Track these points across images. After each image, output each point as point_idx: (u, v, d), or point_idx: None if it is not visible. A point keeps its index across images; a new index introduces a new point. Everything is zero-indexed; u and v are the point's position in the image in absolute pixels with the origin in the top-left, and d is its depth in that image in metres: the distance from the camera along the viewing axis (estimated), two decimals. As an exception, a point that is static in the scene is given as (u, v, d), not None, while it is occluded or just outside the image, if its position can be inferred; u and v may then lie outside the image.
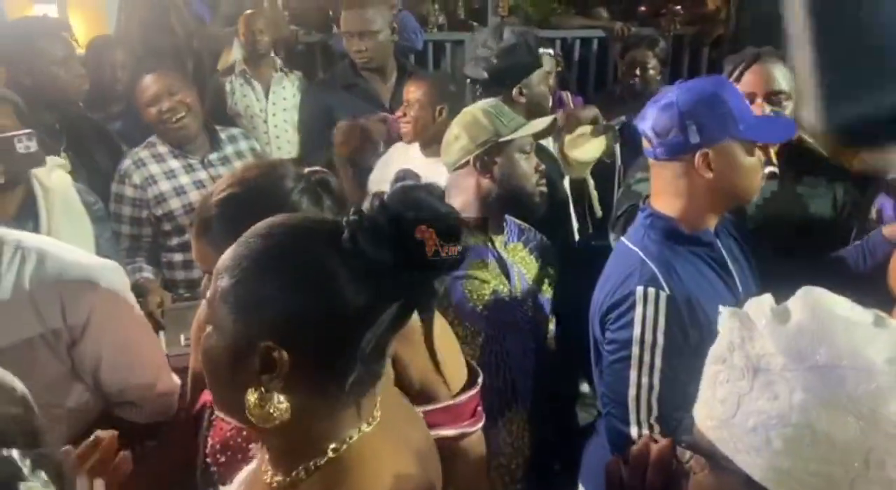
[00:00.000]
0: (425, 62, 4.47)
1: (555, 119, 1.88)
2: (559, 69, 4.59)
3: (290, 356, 0.77)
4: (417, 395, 1.22)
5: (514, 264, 1.83)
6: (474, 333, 1.74)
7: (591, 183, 2.97)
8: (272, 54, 3.51)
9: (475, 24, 4.79)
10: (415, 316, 1.17)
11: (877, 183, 1.82)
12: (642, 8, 4.80)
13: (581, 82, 4.70)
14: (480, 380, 1.32)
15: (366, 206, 0.81)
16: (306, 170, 1.25)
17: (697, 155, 1.43)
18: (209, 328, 0.83)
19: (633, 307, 1.44)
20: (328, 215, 1.16)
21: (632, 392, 1.43)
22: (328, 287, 0.78)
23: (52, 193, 1.79)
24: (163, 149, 2.47)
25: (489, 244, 1.81)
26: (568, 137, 2.91)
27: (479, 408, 1.33)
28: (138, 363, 1.51)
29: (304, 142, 3.17)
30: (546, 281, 1.90)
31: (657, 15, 4.67)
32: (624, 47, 3.48)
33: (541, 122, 1.81)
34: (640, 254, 1.48)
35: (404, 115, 2.49)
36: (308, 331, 0.78)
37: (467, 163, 1.79)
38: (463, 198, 1.78)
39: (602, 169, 2.90)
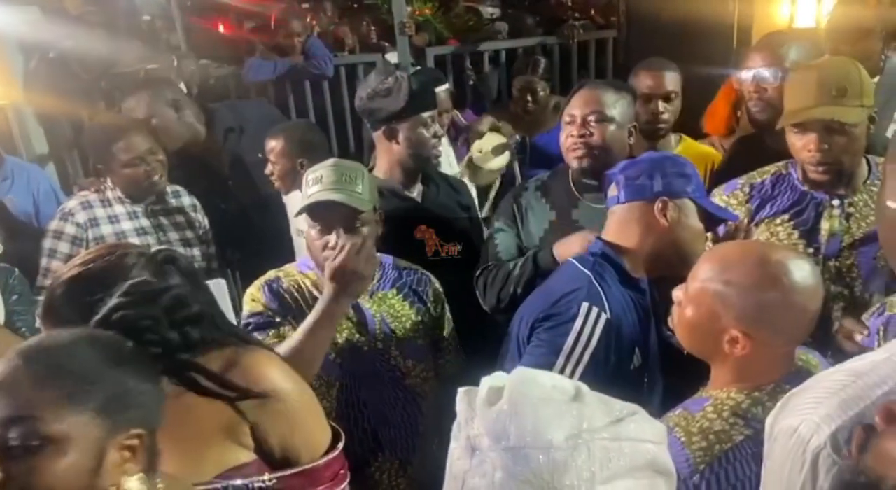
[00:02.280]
0: (339, 86, 4.52)
1: (327, 203, 1.70)
2: (471, 82, 4.75)
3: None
4: (280, 462, 1.26)
5: (377, 313, 1.81)
6: (328, 384, 1.74)
7: (497, 187, 3.12)
8: None
9: (387, 44, 4.86)
10: (277, 385, 1.26)
11: None
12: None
13: (496, 89, 4.81)
14: (341, 444, 1.34)
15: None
16: (153, 248, 1.29)
17: (658, 201, 1.56)
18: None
19: (573, 319, 1.50)
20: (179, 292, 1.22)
21: None
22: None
23: None
24: (111, 194, 2.50)
25: None
26: (475, 153, 3.06)
27: (343, 471, 1.35)
28: None
29: None
30: (423, 328, 1.88)
31: (560, 23, 4.82)
32: (519, 64, 3.62)
33: (310, 200, 1.70)
34: (591, 275, 1.57)
35: (272, 172, 2.57)
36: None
37: None
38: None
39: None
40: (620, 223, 1.63)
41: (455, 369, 1.96)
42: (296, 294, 1.77)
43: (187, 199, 2.65)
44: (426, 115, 2.16)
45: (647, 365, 1.60)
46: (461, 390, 0.82)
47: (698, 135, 2.68)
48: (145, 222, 2.51)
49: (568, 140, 1.98)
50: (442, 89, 3.04)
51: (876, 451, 0.68)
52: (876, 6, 2.84)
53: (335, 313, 1.64)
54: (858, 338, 1.39)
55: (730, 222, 1.69)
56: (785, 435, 0.86)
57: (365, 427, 1.78)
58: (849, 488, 0.73)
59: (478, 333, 2.04)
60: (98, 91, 4.08)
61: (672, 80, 2.43)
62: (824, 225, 1.77)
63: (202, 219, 2.66)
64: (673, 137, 2.55)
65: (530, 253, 1.97)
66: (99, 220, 2.45)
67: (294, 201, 2.57)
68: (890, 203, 0.84)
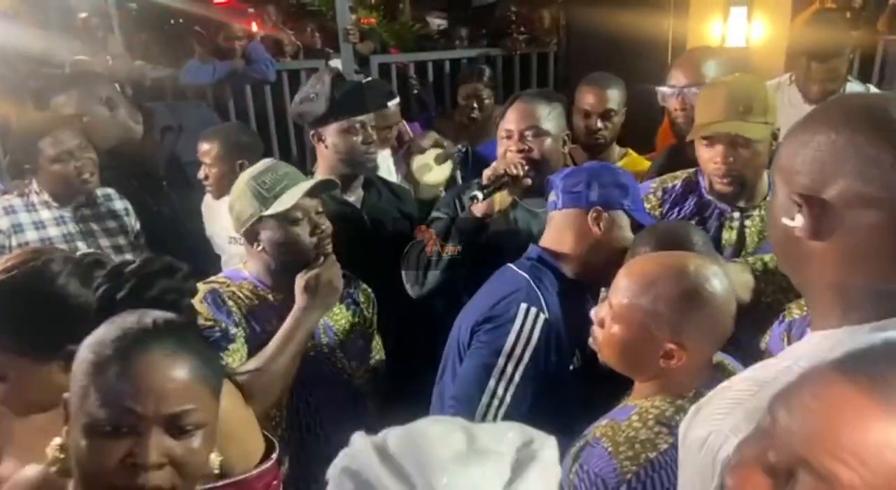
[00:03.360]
0: (281, 91, 4.47)
1: (327, 181, 1.82)
2: (416, 92, 4.76)
3: None
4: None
5: None
6: None
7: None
8: None
9: (331, 51, 4.83)
10: None
11: None
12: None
13: (439, 99, 4.84)
14: (275, 454, 1.32)
15: None
16: (79, 252, 1.25)
17: (592, 210, 1.62)
18: None
19: (512, 320, 1.55)
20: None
21: (485, 399, 1.54)
22: None
23: None
24: (36, 198, 2.38)
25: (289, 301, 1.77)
26: (415, 166, 3.05)
27: (275, 482, 1.33)
28: None
29: None
30: (360, 329, 1.91)
31: (504, 36, 4.89)
32: (464, 73, 3.63)
33: (299, 190, 1.70)
34: (528, 278, 1.62)
35: (206, 176, 2.52)
36: None
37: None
38: (253, 261, 1.80)
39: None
40: (557, 229, 1.69)
41: (382, 367, 1.99)
42: (239, 302, 1.74)
43: (119, 203, 2.56)
44: (353, 119, 2.16)
45: (586, 367, 1.62)
46: (357, 435, 0.71)
47: (635, 148, 2.75)
48: (73, 228, 2.42)
49: (507, 156, 2.01)
50: (393, 103, 3.05)
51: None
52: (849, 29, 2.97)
53: (309, 325, 1.69)
54: (762, 346, 1.44)
55: None
56: (695, 445, 0.86)
57: (318, 432, 1.78)
58: None
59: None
60: (27, 90, 3.94)
61: (613, 98, 2.48)
62: (725, 235, 1.84)
63: (134, 223, 2.58)
64: (617, 151, 2.60)
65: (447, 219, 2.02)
66: (23, 225, 2.35)
67: (222, 207, 2.50)
68: (785, 220, 0.86)
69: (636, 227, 1.67)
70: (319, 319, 1.73)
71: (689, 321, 1.20)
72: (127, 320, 0.98)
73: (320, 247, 1.74)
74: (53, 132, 2.33)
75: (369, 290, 1.98)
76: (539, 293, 1.59)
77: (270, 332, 1.69)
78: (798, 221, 0.83)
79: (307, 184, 1.72)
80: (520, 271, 1.66)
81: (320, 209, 1.77)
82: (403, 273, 2.03)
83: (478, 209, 1.91)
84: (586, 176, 1.68)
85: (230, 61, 4.29)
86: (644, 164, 2.58)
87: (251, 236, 1.74)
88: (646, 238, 1.55)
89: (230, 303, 1.71)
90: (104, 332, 0.96)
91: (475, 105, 3.46)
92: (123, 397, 0.90)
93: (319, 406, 1.77)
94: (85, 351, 0.95)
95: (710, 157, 1.80)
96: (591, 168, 1.74)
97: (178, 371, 0.95)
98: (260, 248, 1.74)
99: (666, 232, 1.57)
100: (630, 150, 2.64)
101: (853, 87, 2.75)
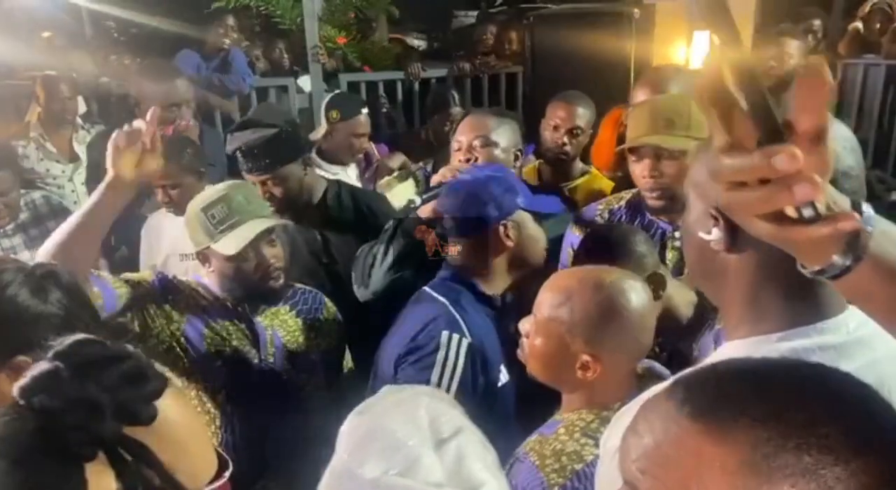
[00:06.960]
0: (249, 108, 4.44)
1: (280, 224, 1.83)
2: (385, 110, 4.76)
3: None
4: (161, 488, 1.22)
5: (268, 328, 1.83)
6: (214, 390, 1.76)
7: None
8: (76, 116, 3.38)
9: (298, 69, 4.83)
10: (163, 407, 1.19)
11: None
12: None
13: (408, 117, 4.85)
14: (228, 472, 1.26)
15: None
16: (33, 263, 1.25)
17: (499, 227, 1.62)
18: None
19: (435, 351, 1.52)
20: (56, 309, 1.17)
21: None
22: None
23: None
24: None
25: (240, 308, 1.83)
26: (380, 185, 3.05)
27: None
28: None
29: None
30: (316, 343, 1.90)
31: (474, 57, 4.93)
32: (436, 101, 3.61)
33: (243, 238, 1.71)
34: (446, 302, 1.60)
35: (170, 198, 2.44)
36: None
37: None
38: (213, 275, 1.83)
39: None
40: (469, 253, 1.67)
41: (348, 381, 1.99)
42: (187, 288, 1.81)
43: (56, 201, 2.57)
44: None
45: (514, 382, 1.63)
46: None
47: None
48: (17, 241, 2.41)
49: (453, 162, 2.06)
50: (363, 112, 3.04)
51: None
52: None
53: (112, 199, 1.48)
54: (695, 353, 1.46)
55: None
56: (611, 454, 0.87)
57: (251, 437, 1.76)
58: None
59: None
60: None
61: (581, 116, 2.53)
62: (668, 255, 1.85)
63: None
64: (580, 167, 2.63)
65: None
66: None
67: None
68: (701, 234, 0.86)
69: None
70: (122, 197, 1.51)
71: (604, 333, 1.23)
72: None
73: (266, 279, 1.77)
74: None
75: (333, 306, 1.99)
76: (458, 317, 1.58)
77: (213, 329, 1.75)
78: (714, 235, 0.83)
79: (254, 228, 1.72)
80: (437, 295, 1.64)
81: (273, 238, 1.79)
82: (353, 275, 2.01)
83: (422, 212, 1.90)
84: (479, 197, 1.66)
85: (217, 74, 4.27)
86: (599, 183, 2.61)
87: (203, 259, 1.80)
88: (587, 241, 1.60)
89: (178, 284, 1.80)
90: None
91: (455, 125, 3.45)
92: None
93: (255, 413, 1.77)
94: None
95: (639, 172, 1.82)
96: (477, 189, 1.68)
97: None
98: (211, 269, 1.80)
99: (604, 232, 1.62)
100: (593, 169, 2.66)
101: None
